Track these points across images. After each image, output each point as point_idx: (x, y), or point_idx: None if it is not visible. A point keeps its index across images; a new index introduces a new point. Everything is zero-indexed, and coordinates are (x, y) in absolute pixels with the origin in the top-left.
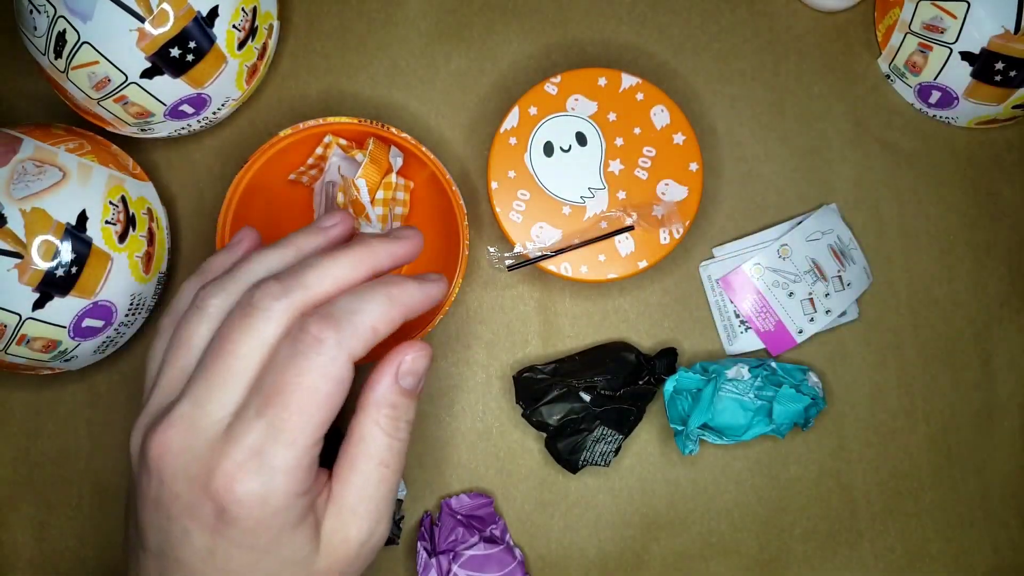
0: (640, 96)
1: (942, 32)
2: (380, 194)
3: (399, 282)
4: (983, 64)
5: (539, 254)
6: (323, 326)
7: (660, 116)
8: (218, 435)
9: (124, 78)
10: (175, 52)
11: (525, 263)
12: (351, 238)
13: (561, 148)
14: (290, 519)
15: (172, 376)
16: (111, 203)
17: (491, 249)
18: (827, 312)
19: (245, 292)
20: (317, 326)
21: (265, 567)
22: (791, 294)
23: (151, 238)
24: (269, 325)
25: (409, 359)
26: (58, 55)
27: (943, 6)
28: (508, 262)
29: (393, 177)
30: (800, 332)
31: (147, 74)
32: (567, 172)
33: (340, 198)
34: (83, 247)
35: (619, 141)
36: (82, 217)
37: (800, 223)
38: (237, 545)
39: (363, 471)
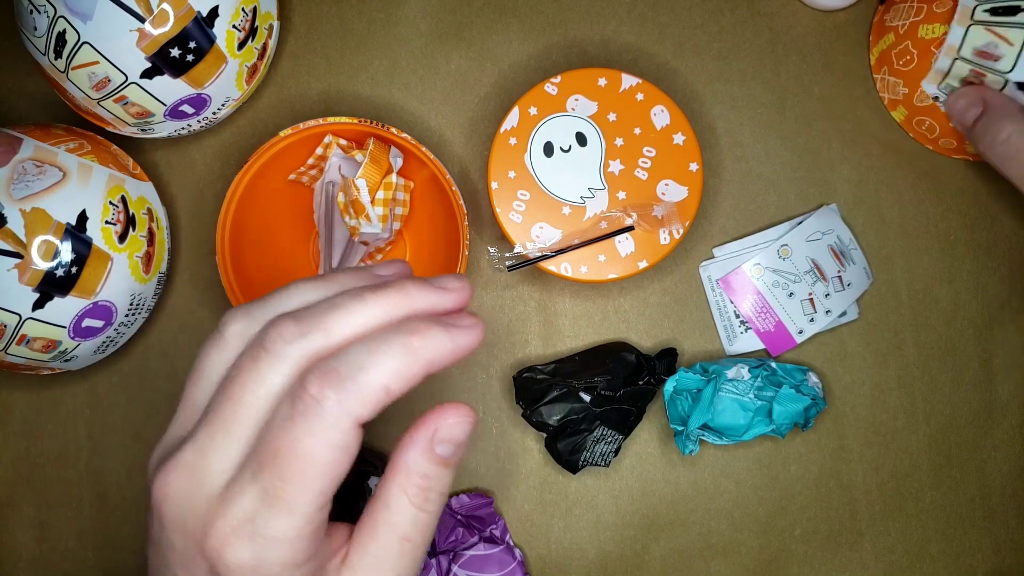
0: (640, 96)
1: (996, 60)
2: (380, 194)
3: (423, 329)
4: None
5: (539, 254)
6: (324, 384)
7: (660, 116)
8: (217, 491)
9: (124, 78)
10: (175, 52)
11: (525, 263)
12: None
13: (561, 148)
14: None
15: (187, 408)
16: (111, 203)
17: (491, 249)
18: (827, 312)
19: (264, 325)
20: (317, 384)
21: None
22: (791, 294)
23: (151, 238)
24: (276, 373)
25: (448, 424)
26: (58, 55)
27: (999, 32)
28: (508, 262)
29: (393, 177)
30: (800, 332)
31: (147, 74)
32: (567, 172)
33: (341, 198)
34: (83, 247)
35: (619, 141)
36: (82, 217)
37: (800, 223)
38: None
39: (383, 542)
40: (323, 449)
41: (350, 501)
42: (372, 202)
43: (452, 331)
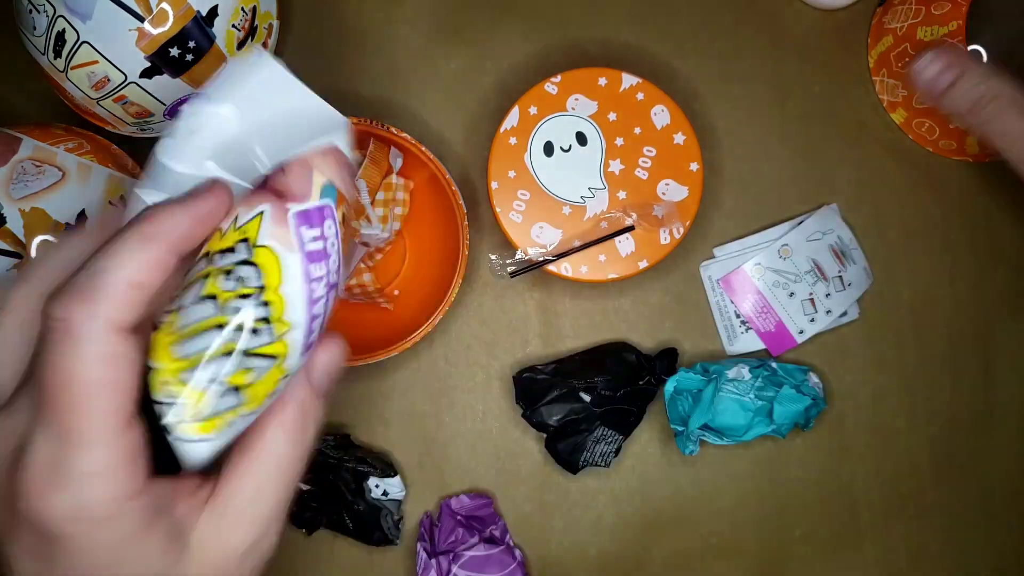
0: (640, 96)
1: None
2: (380, 195)
3: (151, 214)
4: None
5: (541, 259)
6: (65, 302)
7: (660, 116)
8: (14, 451)
9: (124, 78)
10: (174, 52)
11: (527, 269)
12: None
13: (561, 148)
14: (128, 529)
15: None
16: (110, 203)
17: (492, 257)
18: (828, 312)
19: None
20: (59, 304)
21: None
22: (792, 294)
23: None
24: (9, 319)
25: (326, 357)
26: (57, 55)
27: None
28: (510, 269)
29: (393, 178)
30: (801, 332)
31: (147, 74)
32: (567, 172)
33: None
34: None
35: (619, 141)
36: (81, 217)
37: (801, 223)
38: (71, 569)
39: (258, 473)
40: (88, 367)
41: (349, 502)
42: (372, 203)
43: (186, 200)
